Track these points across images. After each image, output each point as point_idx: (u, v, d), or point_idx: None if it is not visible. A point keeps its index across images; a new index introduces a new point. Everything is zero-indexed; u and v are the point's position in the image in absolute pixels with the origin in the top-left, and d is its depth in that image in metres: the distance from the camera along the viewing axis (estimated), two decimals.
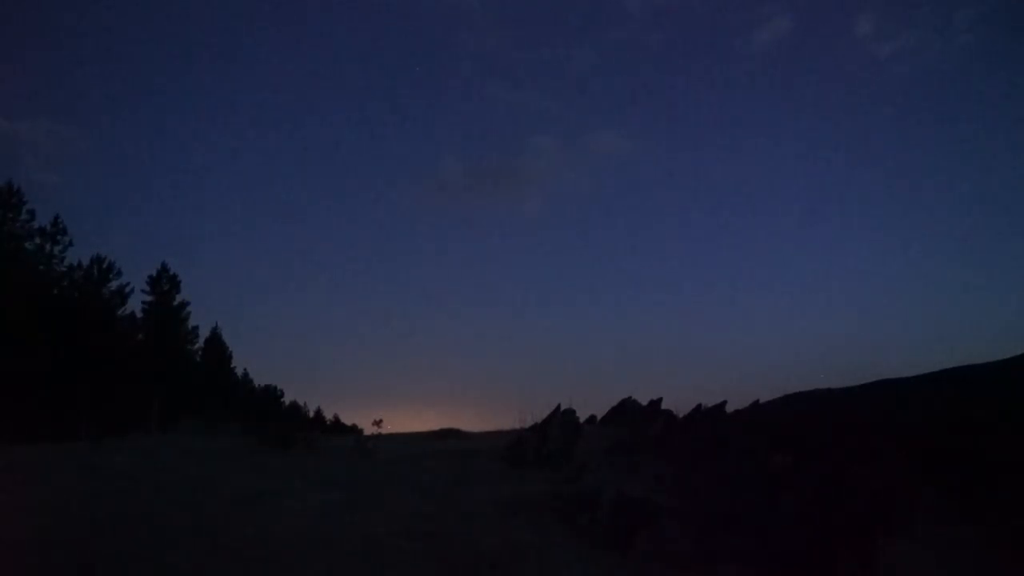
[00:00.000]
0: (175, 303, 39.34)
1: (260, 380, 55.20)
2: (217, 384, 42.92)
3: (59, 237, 32.85)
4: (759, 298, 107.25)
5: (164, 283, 38.88)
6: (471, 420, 56.12)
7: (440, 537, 8.06)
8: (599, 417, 21.52)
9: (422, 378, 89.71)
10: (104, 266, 35.36)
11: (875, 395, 16.98)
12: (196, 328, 41.53)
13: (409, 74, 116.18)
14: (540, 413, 15.80)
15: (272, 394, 54.13)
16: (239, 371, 51.91)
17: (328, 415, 62.32)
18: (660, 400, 18.97)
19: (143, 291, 38.22)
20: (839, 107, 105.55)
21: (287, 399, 56.62)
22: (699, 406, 17.04)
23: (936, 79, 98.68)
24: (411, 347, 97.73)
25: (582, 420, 17.26)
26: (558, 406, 15.62)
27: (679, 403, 17.77)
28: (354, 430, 39.32)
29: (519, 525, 8.73)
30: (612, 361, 79.18)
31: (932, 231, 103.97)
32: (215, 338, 46.77)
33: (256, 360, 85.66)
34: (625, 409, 19.98)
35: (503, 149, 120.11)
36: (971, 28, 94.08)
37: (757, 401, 18.28)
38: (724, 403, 17.22)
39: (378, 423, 19.30)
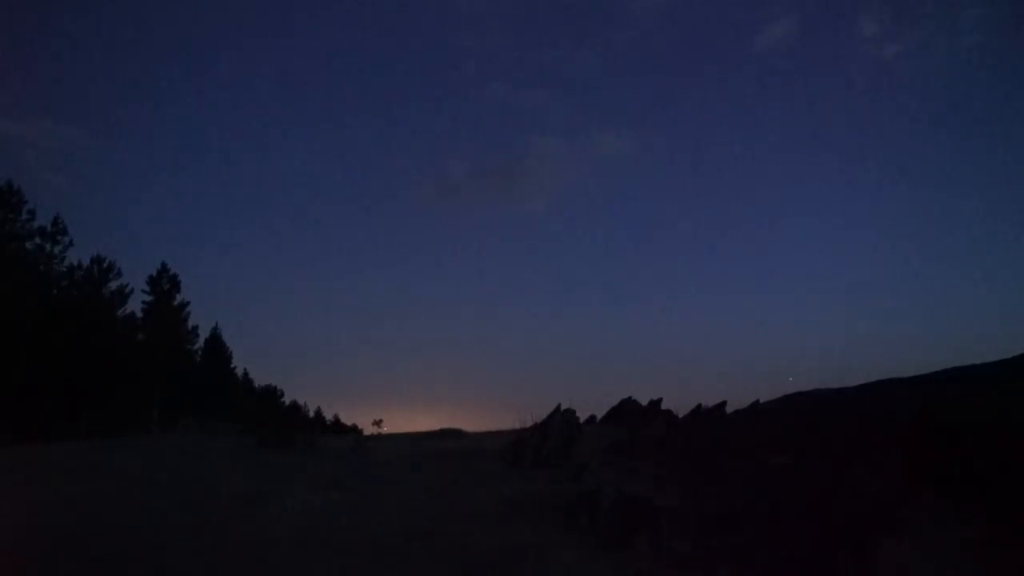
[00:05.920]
0: (175, 303, 39.30)
1: (260, 380, 55.31)
2: (217, 384, 42.91)
3: (59, 237, 32.81)
4: (759, 298, 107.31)
5: (164, 283, 38.82)
6: (471, 420, 56.21)
7: (440, 537, 8.06)
8: (599, 417, 21.53)
9: (422, 378, 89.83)
10: (104, 266, 35.36)
11: (875, 395, 16.96)
12: (196, 328, 41.53)
13: (413, 76, 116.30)
14: (540, 413, 15.81)
15: (272, 394, 54.17)
16: (239, 371, 51.99)
17: (328, 415, 62.40)
18: (660, 400, 19.01)
19: (143, 291, 38.19)
20: (844, 107, 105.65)
21: (287, 399, 56.70)
22: (699, 406, 17.07)
23: (942, 79, 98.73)
24: (411, 347, 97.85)
25: (582, 420, 17.25)
26: (558, 406, 15.62)
27: (679, 403, 17.82)
28: (354, 430, 39.34)
29: (519, 525, 8.73)
30: (612, 361, 79.26)
31: (934, 231, 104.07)
32: (215, 338, 46.79)
33: (256, 360, 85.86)
34: (625, 409, 19.99)
35: (507, 150, 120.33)
36: (977, 28, 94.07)
37: (757, 401, 18.30)
38: (724, 403, 17.26)
39: (378, 423, 19.38)
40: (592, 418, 21.44)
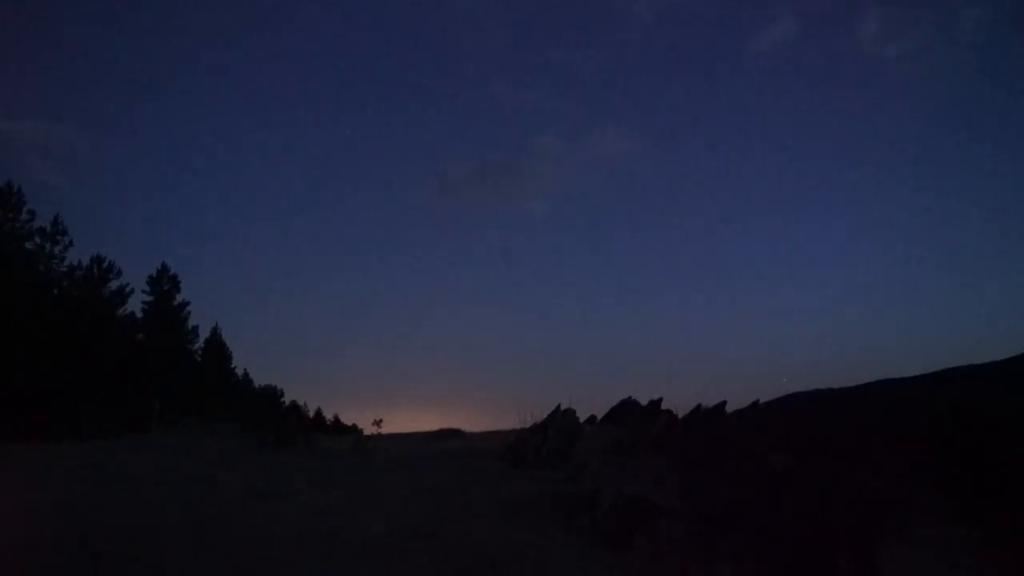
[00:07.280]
0: (175, 303, 39.28)
1: (260, 380, 55.23)
2: (217, 384, 42.88)
3: (59, 237, 32.77)
4: (759, 298, 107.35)
5: (164, 283, 38.81)
6: (471, 420, 56.20)
7: (440, 537, 8.05)
8: (599, 417, 21.54)
9: (422, 378, 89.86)
10: (104, 266, 35.32)
11: (875, 395, 16.97)
12: (196, 328, 41.48)
13: (414, 75, 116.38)
14: (540, 413, 15.81)
15: (272, 394, 54.09)
16: (239, 371, 51.94)
17: (328, 415, 62.32)
18: (660, 400, 19.01)
19: (143, 291, 38.17)
20: (844, 108, 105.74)
21: (287, 399, 56.60)
22: (699, 406, 17.07)
23: (942, 79, 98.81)
24: (411, 347, 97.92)
25: (582, 420, 17.25)
26: (558, 406, 15.62)
27: (679, 403, 17.82)
28: (354, 430, 39.37)
29: (519, 525, 8.72)
30: (612, 361, 79.30)
31: (934, 231, 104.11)
32: (215, 338, 46.76)
33: (256, 360, 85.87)
34: (625, 409, 20.00)
35: (507, 149, 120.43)
36: (977, 28, 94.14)
37: (757, 401, 18.31)
38: (724, 403, 17.27)
39: (378, 423, 19.39)
40: (592, 418, 21.45)
